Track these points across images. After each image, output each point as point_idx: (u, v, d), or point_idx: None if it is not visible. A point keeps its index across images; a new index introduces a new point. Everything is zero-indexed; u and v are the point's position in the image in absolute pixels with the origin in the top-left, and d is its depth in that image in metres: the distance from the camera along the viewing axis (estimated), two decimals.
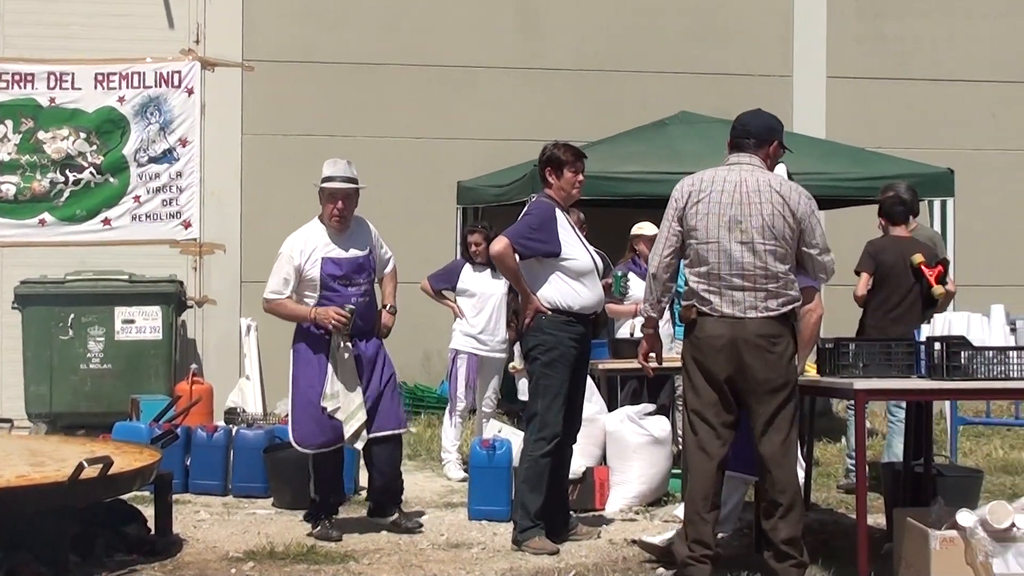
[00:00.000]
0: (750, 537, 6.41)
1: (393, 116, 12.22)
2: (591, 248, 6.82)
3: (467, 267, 9.06)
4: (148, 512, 6.60)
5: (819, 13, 12.91)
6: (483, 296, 8.94)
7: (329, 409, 6.79)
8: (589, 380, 7.22)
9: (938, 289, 7.82)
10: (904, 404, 7.57)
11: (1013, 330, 6.18)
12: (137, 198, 11.86)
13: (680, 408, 7.38)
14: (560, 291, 6.59)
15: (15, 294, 10.88)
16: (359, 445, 6.91)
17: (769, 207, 5.51)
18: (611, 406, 8.26)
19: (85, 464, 5.72)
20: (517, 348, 8.19)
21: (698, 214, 5.58)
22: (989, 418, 10.52)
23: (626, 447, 7.75)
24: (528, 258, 6.61)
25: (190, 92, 11.94)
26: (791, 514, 5.50)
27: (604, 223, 9.78)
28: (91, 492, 5.92)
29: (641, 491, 7.72)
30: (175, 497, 6.88)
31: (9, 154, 11.73)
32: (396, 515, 7.06)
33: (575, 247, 6.65)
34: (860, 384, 5.77)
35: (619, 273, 9.19)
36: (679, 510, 6.27)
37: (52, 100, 11.77)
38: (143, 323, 10.84)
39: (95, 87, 11.81)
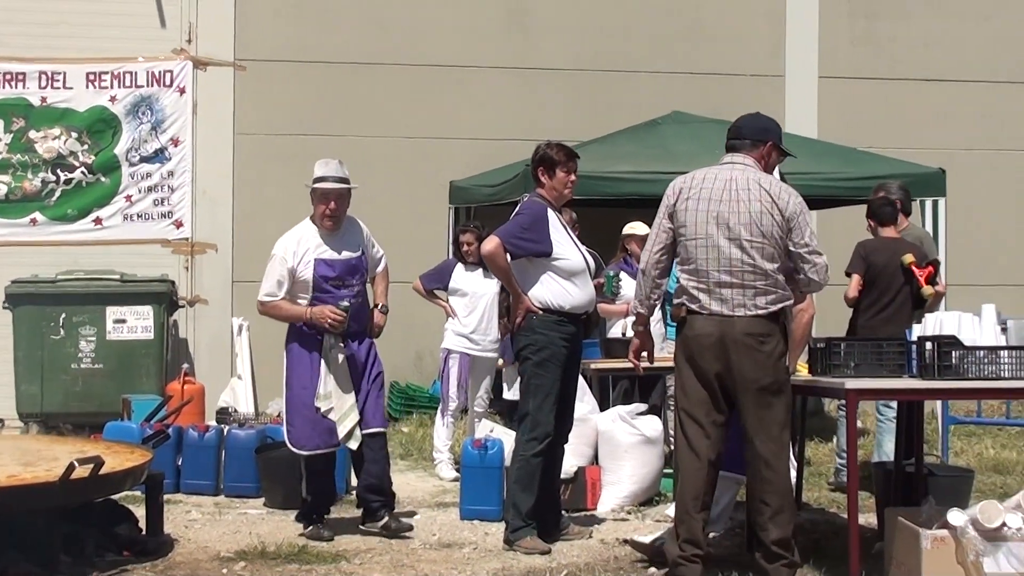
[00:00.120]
0: (741, 537, 6.40)
1: (385, 116, 12.22)
2: (583, 248, 6.81)
3: (459, 267, 9.06)
4: (139, 512, 6.58)
5: (811, 14, 12.92)
6: (475, 296, 8.93)
7: (323, 409, 6.78)
8: (581, 379, 7.22)
9: (927, 290, 7.83)
10: (894, 403, 7.59)
11: (1004, 330, 6.19)
12: (129, 198, 11.84)
13: (672, 408, 7.38)
14: (551, 291, 6.58)
15: (6, 294, 10.86)
16: (353, 445, 6.88)
17: (758, 204, 5.52)
18: (603, 406, 8.26)
19: (76, 464, 5.70)
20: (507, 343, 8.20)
21: (687, 210, 5.60)
22: (980, 417, 10.55)
23: (618, 447, 7.75)
24: (519, 258, 6.60)
25: (182, 91, 11.93)
26: (782, 515, 5.49)
27: (596, 223, 9.77)
28: (82, 492, 5.91)
29: (633, 491, 7.72)
30: (166, 497, 6.88)
31: (0, 153, 11.72)
32: (387, 519, 6.89)
33: (567, 247, 6.65)
34: (852, 384, 5.78)
35: (611, 273, 9.20)
36: (671, 510, 6.28)
37: (43, 99, 11.76)
38: (134, 323, 10.83)
39: (87, 86, 11.79)
